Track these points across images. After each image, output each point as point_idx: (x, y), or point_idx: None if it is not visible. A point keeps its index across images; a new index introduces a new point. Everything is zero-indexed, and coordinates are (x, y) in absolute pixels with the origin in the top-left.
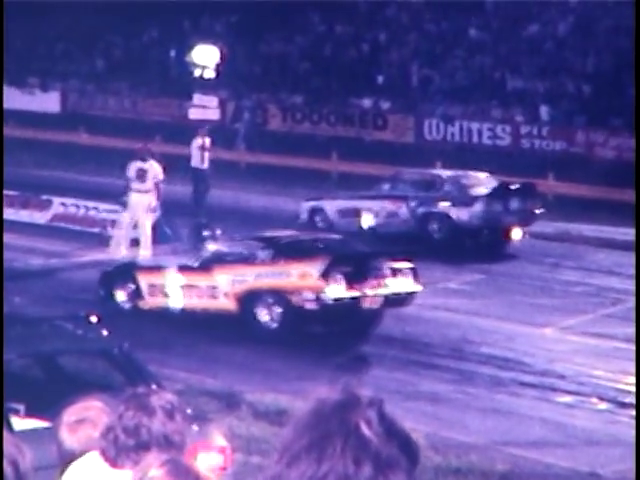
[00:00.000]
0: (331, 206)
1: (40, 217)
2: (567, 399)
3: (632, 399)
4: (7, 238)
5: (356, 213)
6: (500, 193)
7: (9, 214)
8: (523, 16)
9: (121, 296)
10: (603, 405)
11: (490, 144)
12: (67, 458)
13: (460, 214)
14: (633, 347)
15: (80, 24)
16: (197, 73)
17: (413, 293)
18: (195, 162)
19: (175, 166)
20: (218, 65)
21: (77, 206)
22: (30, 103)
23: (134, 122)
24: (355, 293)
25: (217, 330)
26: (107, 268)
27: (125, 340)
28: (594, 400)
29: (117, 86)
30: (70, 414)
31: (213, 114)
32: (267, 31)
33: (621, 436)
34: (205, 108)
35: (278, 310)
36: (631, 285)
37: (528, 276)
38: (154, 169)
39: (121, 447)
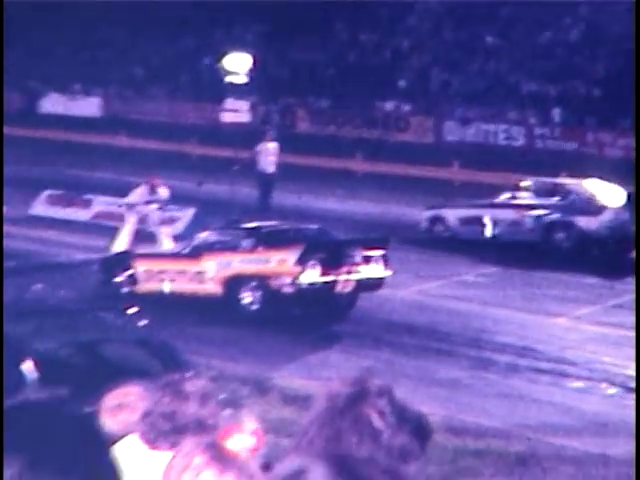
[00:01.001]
0: (452, 215)
1: (83, 215)
2: (579, 384)
3: None
4: (52, 235)
5: (478, 222)
6: (628, 202)
7: (54, 212)
8: (536, 23)
9: (120, 281)
10: (612, 390)
11: (505, 144)
12: (108, 441)
13: (589, 223)
14: None
15: (120, 33)
16: (229, 79)
17: (383, 278)
18: (262, 166)
19: (209, 166)
20: (249, 71)
21: (117, 205)
22: (73, 108)
23: (171, 125)
24: (328, 278)
25: (205, 312)
26: (107, 255)
27: (162, 329)
28: (604, 385)
29: (155, 91)
30: (110, 399)
31: (244, 117)
32: (295, 39)
33: (630, 419)
34: (237, 112)
35: (259, 293)
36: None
37: (539, 269)
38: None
39: (158, 431)
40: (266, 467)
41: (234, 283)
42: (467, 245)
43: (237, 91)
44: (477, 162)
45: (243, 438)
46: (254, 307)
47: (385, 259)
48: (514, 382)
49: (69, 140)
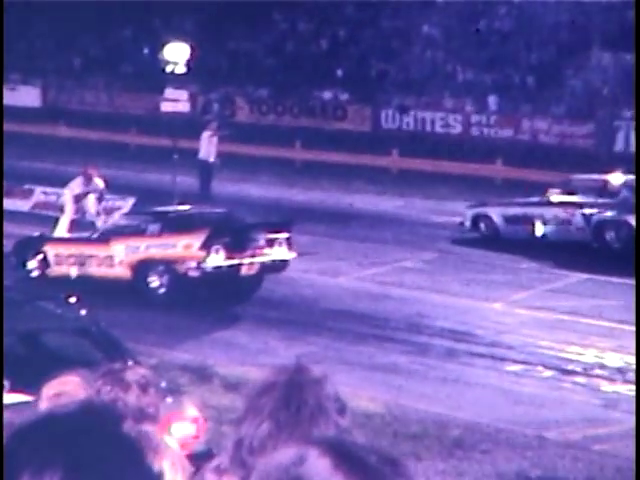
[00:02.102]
0: (497, 213)
1: (22, 205)
2: (515, 368)
3: (574, 367)
4: None
5: (525, 220)
6: None
7: None
8: (472, 13)
9: (32, 264)
10: (548, 373)
11: (442, 132)
12: None
13: None
14: (575, 319)
15: (58, 23)
16: (168, 69)
17: (287, 260)
18: (203, 154)
19: (149, 156)
20: (188, 61)
21: (57, 194)
22: (12, 98)
23: (110, 115)
24: (233, 261)
25: (114, 295)
26: (20, 239)
27: (101, 318)
28: (540, 368)
29: (94, 81)
30: (49, 388)
31: (184, 107)
32: (234, 29)
33: (565, 401)
34: (176, 101)
35: (166, 277)
36: (573, 262)
37: (478, 255)
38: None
39: None
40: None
41: (142, 267)
42: (405, 232)
43: (176, 81)
44: (415, 150)
45: (184, 426)
46: (161, 291)
47: (289, 242)
48: (452, 366)
49: (8, 130)
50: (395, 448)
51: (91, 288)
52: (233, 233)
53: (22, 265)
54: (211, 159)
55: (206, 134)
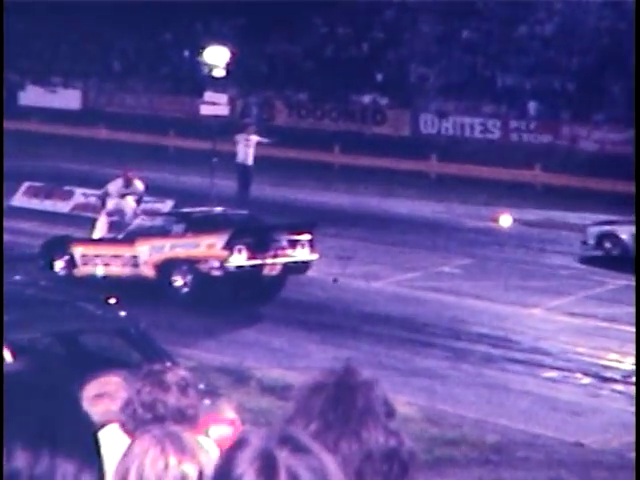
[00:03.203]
0: (626, 231)
1: (62, 206)
2: (553, 374)
3: (613, 374)
4: (32, 226)
5: None
6: None
7: (34, 204)
8: (512, 18)
9: (59, 265)
10: (586, 380)
11: (481, 137)
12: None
13: None
14: (613, 326)
15: (99, 26)
16: (208, 72)
17: (309, 261)
18: (240, 158)
19: (188, 158)
20: (228, 64)
21: (97, 196)
22: (54, 100)
23: (149, 118)
24: (255, 261)
25: (139, 294)
26: (47, 240)
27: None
28: (578, 375)
29: (134, 84)
30: (90, 389)
31: (223, 110)
32: (273, 32)
33: (603, 408)
34: (215, 105)
35: (189, 277)
36: (612, 269)
37: (516, 260)
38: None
39: (139, 420)
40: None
41: (166, 267)
42: (444, 237)
43: (216, 84)
44: (453, 155)
45: (221, 428)
46: (185, 290)
47: (311, 243)
48: (489, 372)
49: (49, 132)
50: (432, 453)
51: (116, 287)
52: (255, 234)
53: (49, 265)
54: (249, 162)
55: (242, 137)
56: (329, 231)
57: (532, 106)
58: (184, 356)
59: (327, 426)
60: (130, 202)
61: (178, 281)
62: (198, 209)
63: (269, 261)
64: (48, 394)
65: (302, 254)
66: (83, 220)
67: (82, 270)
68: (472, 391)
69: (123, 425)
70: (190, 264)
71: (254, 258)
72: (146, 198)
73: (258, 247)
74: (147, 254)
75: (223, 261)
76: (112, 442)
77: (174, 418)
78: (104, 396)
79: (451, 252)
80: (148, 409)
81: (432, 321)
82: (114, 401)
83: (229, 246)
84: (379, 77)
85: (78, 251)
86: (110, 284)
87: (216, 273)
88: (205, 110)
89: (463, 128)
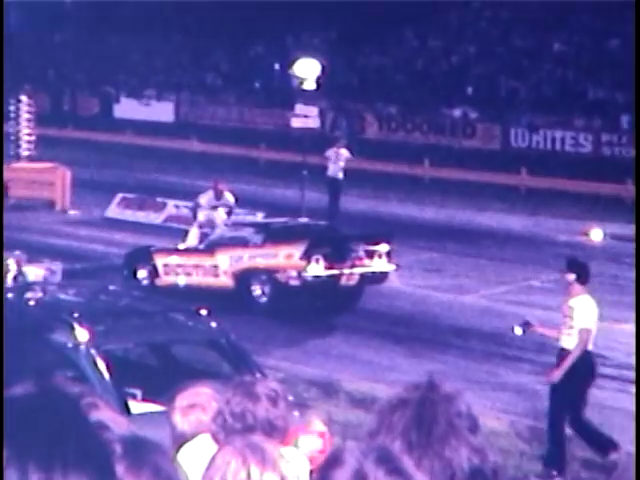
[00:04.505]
0: None
1: (155, 218)
2: None
3: None
4: (125, 237)
5: None
6: None
7: (127, 215)
8: (603, 31)
9: (142, 274)
10: None
11: (572, 151)
12: (179, 439)
13: None
14: None
15: (192, 39)
16: (299, 85)
17: (387, 272)
18: (331, 172)
19: (278, 171)
20: (318, 77)
21: (188, 208)
22: (147, 113)
23: (240, 130)
24: (332, 271)
25: (219, 304)
26: (130, 250)
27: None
28: None
29: (225, 97)
30: (182, 399)
31: (314, 123)
32: (364, 45)
33: None
34: (306, 117)
35: (268, 286)
36: None
37: (607, 275)
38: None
39: (229, 430)
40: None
41: (245, 276)
42: (534, 251)
43: (306, 97)
44: (544, 169)
45: (310, 440)
46: (263, 299)
47: (389, 254)
48: None
49: (142, 144)
50: (521, 469)
51: (197, 297)
52: (333, 244)
53: (132, 275)
54: (339, 176)
55: (333, 152)
56: (419, 244)
57: (625, 119)
58: (271, 367)
59: (410, 445)
60: (221, 214)
61: (257, 291)
62: (277, 220)
63: (346, 271)
64: (56, 412)
65: (379, 264)
66: (175, 232)
67: (164, 280)
68: None
69: (214, 435)
70: (268, 274)
71: (331, 268)
72: (237, 210)
73: (335, 257)
74: (227, 264)
75: (301, 271)
76: (204, 452)
77: (263, 429)
78: (196, 407)
79: (541, 266)
80: (238, 420)
81: (521, 335)
82: (205, 412)
83: (307, 256)
84: (469, 90)
85: (160, 261)
86: (191, 293)
87: (294, 283)
88: (296, 123)
89: (554, 142)
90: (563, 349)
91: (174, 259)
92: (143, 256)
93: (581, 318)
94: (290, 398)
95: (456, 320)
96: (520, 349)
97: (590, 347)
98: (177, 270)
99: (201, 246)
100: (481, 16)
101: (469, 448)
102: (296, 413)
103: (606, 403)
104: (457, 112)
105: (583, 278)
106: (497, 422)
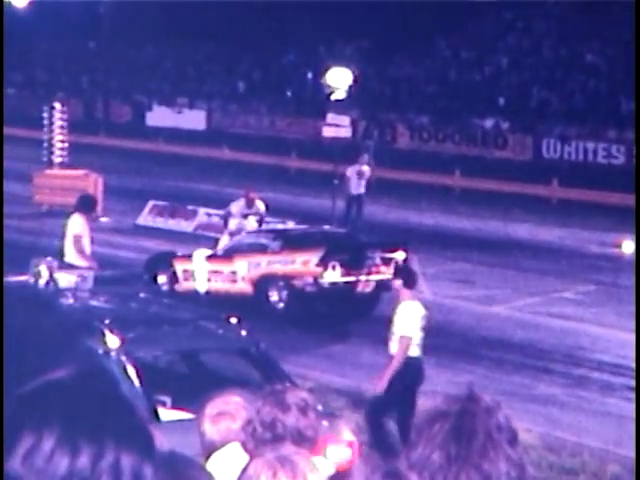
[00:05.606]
0: None
1: (186, 226)
2: None
3: None
4: (157, 244)
5: None
6: None
7: (159, 222)
8: (635, 41)
9: (162, 280)
10: None
11: (605, 163)
12: (208, 448)
13: None
14: None
15: (225, 48)
16: (330, 94)
17: None
18: (353, 188)
19: (310, 180)
20: (350, 87)
21: (220, 216)
22: (179, 121)
23: (272, 139)
24: (349, 278)
25: (237, 310)
26: (151, 256)
27: (261, 340)
28: None
29: (257, 105)
30: (212, 407)
31: (345, 132)
32: (396, 55)
33: None
34: (338, 127)
35: (285, 292)
36: None
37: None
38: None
39: (259, 439)
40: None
41: (263, 282)
42: (565, 263)
43: (338, 106)
44: (576, 180)
45: (339, 449)
46: (280, 305)
47: (405, 261)
48: (610, 400)
49: (174, 152)
50: None
51: (216, 303)
52: (350, 251)
53: (153, 280)
54: (361, 191)
55: (354, 170)
56: (449, 254)
57: None
58: (299, 376)
59: (448, 457)
60: (252, 222)
61: (274, 297)
62: (295, 226)
63: (363, 278)
64: (102, 396)
65: None
66: (206, 240)
67: (184, 285)
68: (592, 419)
69: (244, 444)
70: (286, 280)
71: (348, 275)
72: (268, 219)
73: (352, 264)
74: (245, 270)
75: (317, 277)
76: (233, 460)
77: (293, 438)
78: (225, 415)
79: (573, 278)
80: (268, 429)
81: (552, 347)
82: (235, 420)
83: (323, 263)
84: (501, 101)
85: (180, 267)
86: (210, 299)
87: (310, 289)
88: (327, 132)
89: (586, 153)
90: (392, 355)
91: (194, 265)
92: (164, 261)
93: (401, 325)
94: (319, 407)
95: (486, 331)
96: (550, 361)
97: (416, 353)
98: (196, 276)
99: (220, 252)
100: (513, 27)
101: (508, 461)
102: (325, 423)
103: (635, 416)
104: (489, 123)
105: (409, 283)
106: (527, 435)
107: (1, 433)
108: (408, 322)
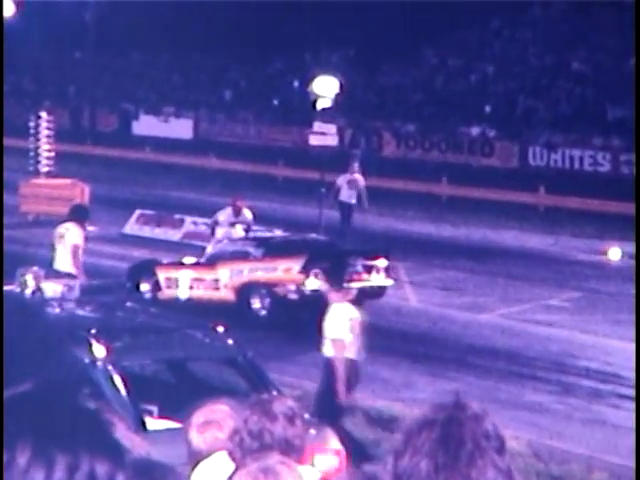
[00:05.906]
0: None
1: (173, 234)
2: None
3: None
4: (143, 254)
5: None
6: None
7: (145, 231)
8: (622, 49)
9: (145, 287)
10: None
11: (591, 170)
12: (195, 457)
13: None
14: None
15: (211, 57)
16: (317, 102)
17: (385, 287)
18: (343, 196)
19: (298, 188)
20: (337, 95)
21: (207, 225)
22: (165, 130)
23: (259, 148)
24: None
25: (219, 317)
26: (133, 264)
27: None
28: None
29: (244, 114)
30: (199, 416)
31: (332, 140)
32: (383, 63)
33: None
34: (324, 135)
35: (267, 300)
36: None
37: (626, 294)
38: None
39: (246, 449)
40: None
41: (245, 290)
42: (552, 270)
43: (324, 114)
44: (562, 188)
45: (327, 458)
46: (263, 313)
47: (387, 269)
48: (597, 407)
49: (161, 161)
50: None
51: (198, 310)
52: (331, 258)
53: (136, 288)
54: (352, 201)
55: (344, 179)
56: (436, 262)
57: None
58: (286, 384)
59: (436, 466)
60: (239, 231)
61: (256, 304)
62: (278, 234)
63: (345, 285)
64: (67, 406)
65: (377, 279)
66: (193, 248)
67: (166, 293)
68: (580, 427)
69: (230, 453)
70: (268, 288)
71: (329, 282)
72: (255, 227)
73: (334, 271)
74: (227, 277)
75: (299, 285)
76: (219, 469)
77: (280, 448)
78: (212, 424)
79: (560, 285)
80: (255, 438)
81: (539, 354)
82: (222, 429)
83: (305, 270)
84: (487, 109)
85: (163, 274)
86: (193, 307)
87: (292, 297)
88: (314, 140)
89: (572, 160)
90: (327, 358)
91: (176, 272)
92: (146, 269)
93: (330, 327)
94: (306, 416)
95: (473, 339)
96: (538, 368)
97: (352, 355)
98: (179, 284)
99: (203, 259)
100: (500, 35)
101: (496, 469)
102: (312, 431)
103: (622, 423)
104: (475, 130)
105: (337, 285)
106: (515, 442)
107: (1, 435)
108: (337, 325)
